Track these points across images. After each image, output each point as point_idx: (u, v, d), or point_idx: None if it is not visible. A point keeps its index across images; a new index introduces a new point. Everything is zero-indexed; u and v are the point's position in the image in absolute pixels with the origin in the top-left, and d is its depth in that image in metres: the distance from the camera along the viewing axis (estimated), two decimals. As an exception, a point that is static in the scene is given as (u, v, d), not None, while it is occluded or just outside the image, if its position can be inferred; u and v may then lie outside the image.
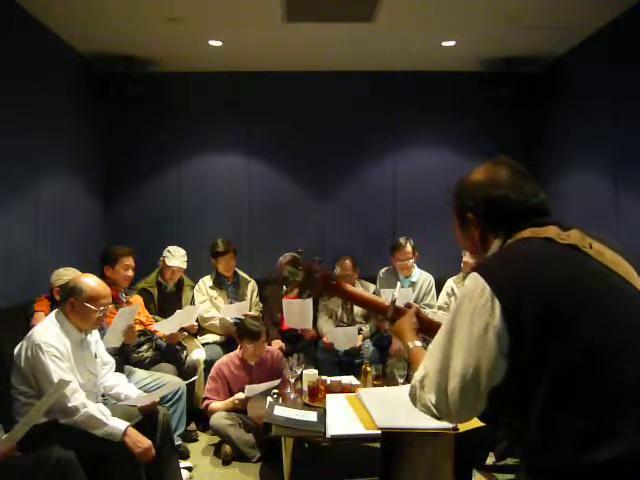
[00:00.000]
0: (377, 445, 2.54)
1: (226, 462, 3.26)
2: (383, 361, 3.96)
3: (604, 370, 1.03)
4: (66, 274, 3.18)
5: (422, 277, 4.43)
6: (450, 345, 1.13)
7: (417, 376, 1.21)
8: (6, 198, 3.39)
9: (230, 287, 4.41)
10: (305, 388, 3.10)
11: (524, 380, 1.06)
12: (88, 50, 4.51)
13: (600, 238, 1.19)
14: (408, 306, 1.58)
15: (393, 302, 1.56)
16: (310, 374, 3.15)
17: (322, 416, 2.66)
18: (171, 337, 3.71)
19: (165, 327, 3.67)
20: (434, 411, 1.16)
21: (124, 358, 3.30)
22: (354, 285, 4.38)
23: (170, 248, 4.17)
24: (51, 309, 2.91)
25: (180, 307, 4.01)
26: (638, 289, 1.13)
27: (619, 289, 1.11)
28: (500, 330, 1.07)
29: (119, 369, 3.01)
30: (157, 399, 2.76)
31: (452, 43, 4.46)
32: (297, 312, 4.17)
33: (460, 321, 1.12)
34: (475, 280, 1.12)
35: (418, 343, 1.39)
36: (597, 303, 1.08)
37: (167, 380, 3.27)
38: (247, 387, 3.29)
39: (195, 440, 3.61)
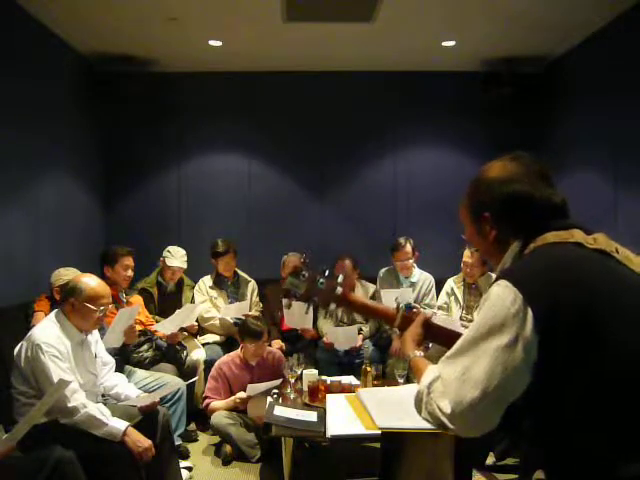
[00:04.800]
0: (377, 445, 2.54)
1: (226, 462, 3.26)
2: (383, 361, 3.96)
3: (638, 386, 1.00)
4: (66, 274, 3.18)
5: (422, 277, 4.41)
6: (474, 353, 1.06)
7: (424, 381, 1.14)
8: (6, 198, 3.39)
9: (230, 287, 4.40)
10: (305, 388, 3.10)
11: (553, 392, 1.02)
12: (88, 50, 4.51)
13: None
14: (410, 308, 1.51)
15: (398, 309, 1.49)
16: (310, 374, 3.15)
17: (322, 416, 2.66)
18: (171, 337, 3.71)
19: (165, 327, 3.67)
20: (444, 420, 1.08)
21: (124, 358, 3.30)
22: (354, 285, 4.38)
23: (170, 248, 4.17)
24: (51, 309, 2.91)
25: (180, 307, 4.01)
26: None
27: None
28: (530, 343, 1.01)
29: (119, 369, 3.00)
30: (157, 399, 2.76)
31: (452, 43, 4.47)
32: (297, 312, 4.16)
33: (488, 329, 1.05)
34: (505, 288, 1.05)
35: (418, 353, 1.32)
36: (634, 314, 1.04)
37: (167, 380, 3.27)
38: (249, 386, 3.29)
39: (195, 440, 3.61)
